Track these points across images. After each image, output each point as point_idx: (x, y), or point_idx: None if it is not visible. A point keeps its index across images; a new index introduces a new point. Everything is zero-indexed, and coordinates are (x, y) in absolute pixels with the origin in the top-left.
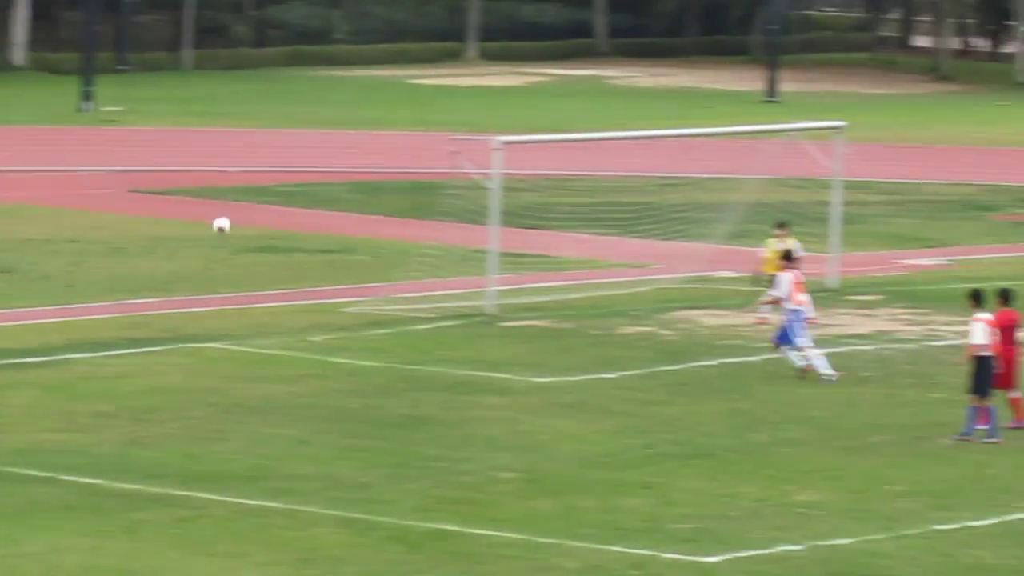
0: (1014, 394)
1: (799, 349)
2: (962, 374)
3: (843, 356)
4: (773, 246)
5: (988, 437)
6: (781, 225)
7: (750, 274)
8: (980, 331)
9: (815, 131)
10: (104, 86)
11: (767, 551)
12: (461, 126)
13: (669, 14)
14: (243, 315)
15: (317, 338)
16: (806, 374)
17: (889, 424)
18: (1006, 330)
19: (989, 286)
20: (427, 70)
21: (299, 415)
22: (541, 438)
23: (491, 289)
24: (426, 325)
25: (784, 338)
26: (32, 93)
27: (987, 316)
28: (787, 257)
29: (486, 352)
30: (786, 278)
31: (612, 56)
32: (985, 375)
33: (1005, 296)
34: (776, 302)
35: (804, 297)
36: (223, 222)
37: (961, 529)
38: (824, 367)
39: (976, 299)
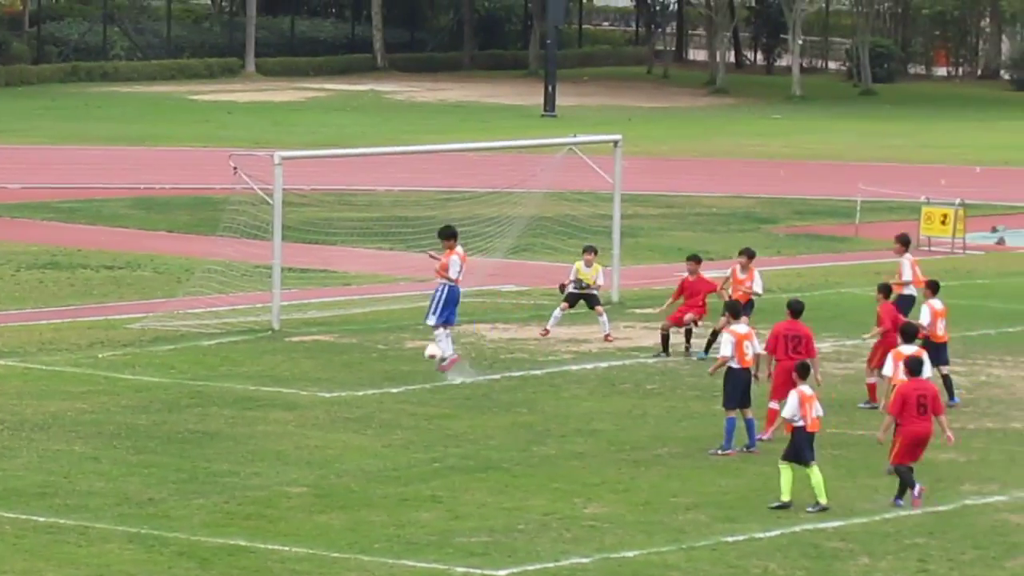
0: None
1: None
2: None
3: (627, 369)
4: (582, 270)
5: (724, 449)
6: (589, 250)
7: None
8: (727, 343)
9: (593, 144)
10: None
11: (556, 564)
12: (241, 142)
13: (446, 29)
14: (27, 332)
15: (103, 354)
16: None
17: (674, 436)
18: (792, 340)
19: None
20: (206, 86)
21: (87, 431)
22: (329, 453)
23: (275, 304)
24: (211, 341)
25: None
26: None
27: (741, 329)
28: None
29: (272, 367)
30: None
31: (390, 71)
32: (731, 387)
33: (793, 309)
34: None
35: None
36: None
37: (748, 540)
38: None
39: (732, 311)
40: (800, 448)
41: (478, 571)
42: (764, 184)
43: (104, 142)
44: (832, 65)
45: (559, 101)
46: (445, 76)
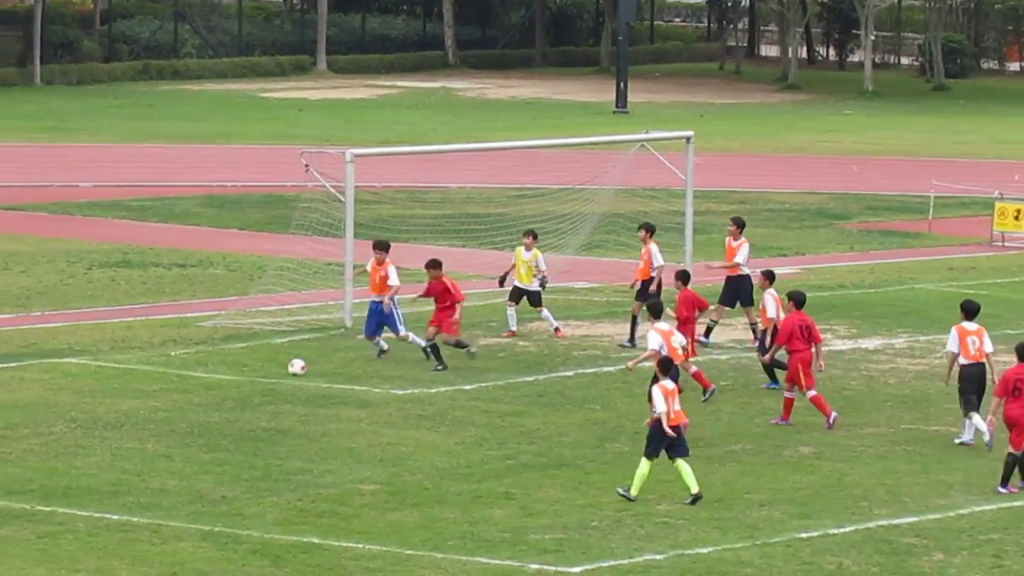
0: (812, 393)
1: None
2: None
3: (701, 364)
4: (521, 255)
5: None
6: (529, 233)
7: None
8: (653, 339)
9: (665, 141)
10: None
11: (630, 560)
12: (312, 139)
13: (517, 26)
14: (100, 330)
15: (175, 352)
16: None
17: (748, 432)
18: (804, 329)
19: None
20: (277, 83)
21: (160, 429)
22: (402, 450)
23: (348, 302)
24: (284, 338)
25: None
26: None
27: (663, 326)
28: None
29: (345, 365)
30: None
31: (461, 68)
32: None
33: (796, 300)
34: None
35: None
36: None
37: (822, 536)
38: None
39: (653, 312)
40: (652, 438)
41: (551, 568)
42: (836, 180)
43: (175, 140)
44: (904, 61)
45: (631, 97)
46: (516, 73)
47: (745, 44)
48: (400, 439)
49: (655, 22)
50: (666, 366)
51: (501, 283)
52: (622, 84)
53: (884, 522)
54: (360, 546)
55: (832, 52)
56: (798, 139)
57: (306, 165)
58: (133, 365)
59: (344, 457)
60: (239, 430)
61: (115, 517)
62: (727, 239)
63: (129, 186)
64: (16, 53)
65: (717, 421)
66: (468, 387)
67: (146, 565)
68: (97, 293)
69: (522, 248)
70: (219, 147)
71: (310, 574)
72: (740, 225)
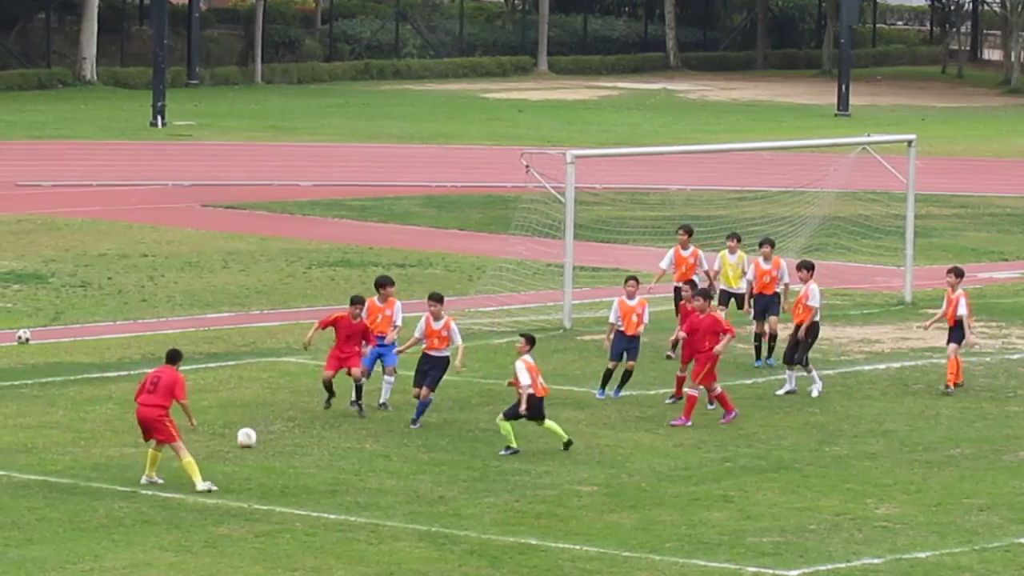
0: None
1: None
2: None
3: (920, 369)
4: (726, 258)
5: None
6: (733, 236)
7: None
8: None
9: (886, 144)
10: (175, 101)
11: (848, 564)
12: (532, 140)
13: (739, 28)
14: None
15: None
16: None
17: (967, 437)
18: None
19: None
20: (497, 84)
21: (377, 429)
22: (620, 452)
23: (567, 303)
24: (502, 339)
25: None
26: (103, 108)
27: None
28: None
29: (564, 366)
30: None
31: (682, 70)
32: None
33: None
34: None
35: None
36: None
37: None
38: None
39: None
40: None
41: (769, 571)
42: None
43: (395, 140)
44: None
45: (852, 100)
46: (738, 75)
47: (968, 48)
48: (618, 441)
49: (877, 25)
50: (531, 342)
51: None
52: (844, 87)
53: None
54: (577, 547)
55: None
56: (1021, 144)
57: (527, 166)
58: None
59: (562, 458)
60: (457, 430)
61: (333, 516)
62: (674, 248)
63: (349, 185)
64: (238, 52)
65: (936, 426)
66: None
67: (363, 565)
68: (316, 292)
69: (727, 252)
70: (439, 147)
71: (527, 575)
72: (689, 232)
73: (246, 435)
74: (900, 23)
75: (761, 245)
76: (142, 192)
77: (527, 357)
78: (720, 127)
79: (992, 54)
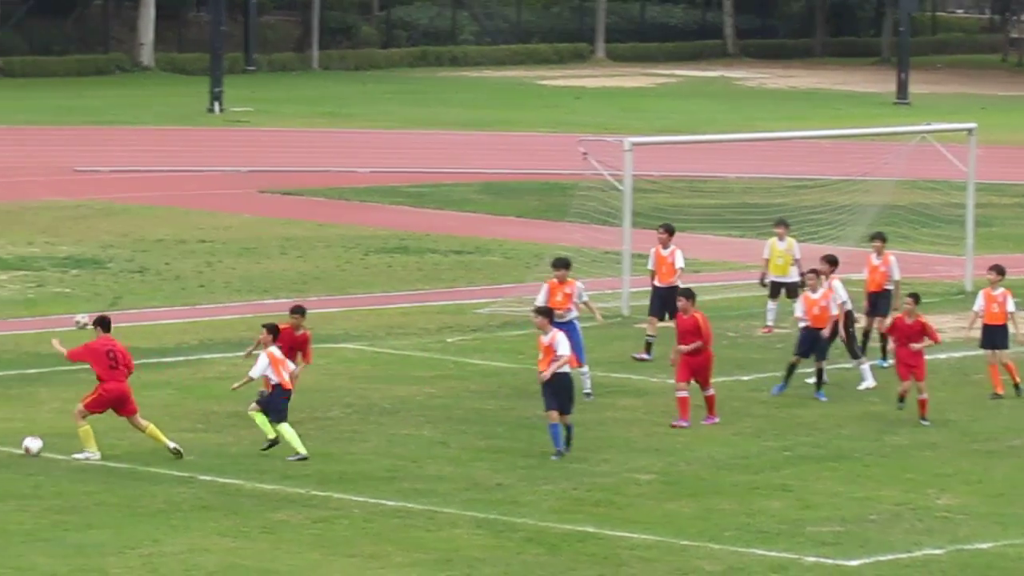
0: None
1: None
2: None
3: (981, 359)
4: (775, 246)
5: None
6: (781, 223)
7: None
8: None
9: (946, 133)
10: (232, 87)
11: (909, 555)
12: (589, 127)
13: (797, 15)
14: (376, 316)
15: (451, 339)
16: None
17: None
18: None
19: None
20: (554, 71)
21: (435, 416)
22: (678, 440)
23: (625, 290)
24: None
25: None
26: (160, 94)
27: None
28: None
29: (622, 353)
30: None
31: (740, 57)
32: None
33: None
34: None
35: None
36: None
37: None
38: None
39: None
40: (274, 404)
41: (829, 561)
42: None
43: (452, 127)
44: None
45: (912, 89)
46: (796, 63)
47: None
48: (676, 429)
49: (937, 12)
50: (273, 331)
51: (763, 283)
52: (903, 75)
53: None
54: (635, 536)
55: None
56: None
57: (584, 153)
58: (409, 351)
59: (620, 446)
60: (515, 418)
61: (390, 503)
62: (655, 247)
63: (406, 172)
64: (295, 38)
65: (998, 416)
66: (746, 378)
67: (421, 551)
68: (373, 279)
69: (775, 239)
70: (496, 134)
71: (585, 563)
72: (670, 231)
73: (33, 443)
74: (960, 11)
75: (872, 240)
76: (199, 178)
77: (273, 349)
78: (778, 115)
79: None
